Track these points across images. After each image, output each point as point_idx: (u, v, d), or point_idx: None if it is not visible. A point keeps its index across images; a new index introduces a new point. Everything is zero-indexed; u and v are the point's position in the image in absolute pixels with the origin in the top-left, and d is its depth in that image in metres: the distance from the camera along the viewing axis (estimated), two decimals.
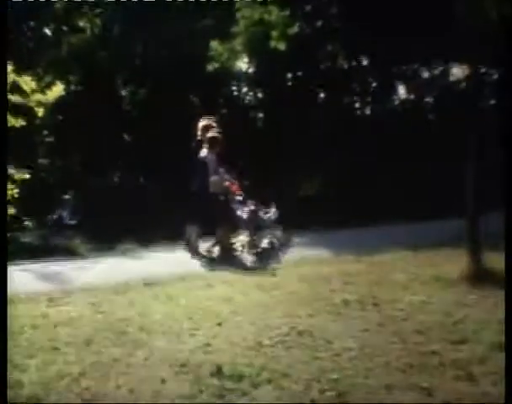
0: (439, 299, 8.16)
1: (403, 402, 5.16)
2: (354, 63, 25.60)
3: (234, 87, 25.62)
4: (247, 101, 26.23)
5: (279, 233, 12.28)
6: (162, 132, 22.50)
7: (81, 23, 22.12)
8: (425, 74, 25.86)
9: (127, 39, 22.18)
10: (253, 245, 12.16)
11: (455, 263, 9.47)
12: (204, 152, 12.35)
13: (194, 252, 12.29)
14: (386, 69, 25.08)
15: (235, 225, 12.32)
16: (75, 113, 21.35)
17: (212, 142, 12.32)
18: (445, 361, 5.92)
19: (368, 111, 26.02)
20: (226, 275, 10.35)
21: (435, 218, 15.31)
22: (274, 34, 9.94)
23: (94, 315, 8.17)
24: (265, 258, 11.87)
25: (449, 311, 7.56)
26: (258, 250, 12.10)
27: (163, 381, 5.73)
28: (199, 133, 12.62)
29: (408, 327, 7.04)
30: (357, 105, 26.14)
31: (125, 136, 24.84)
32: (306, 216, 17.91)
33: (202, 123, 12.69)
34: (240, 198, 12.38)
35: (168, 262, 11.94)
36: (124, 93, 25.08)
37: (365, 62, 25.63)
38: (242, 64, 23.04)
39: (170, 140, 22.15)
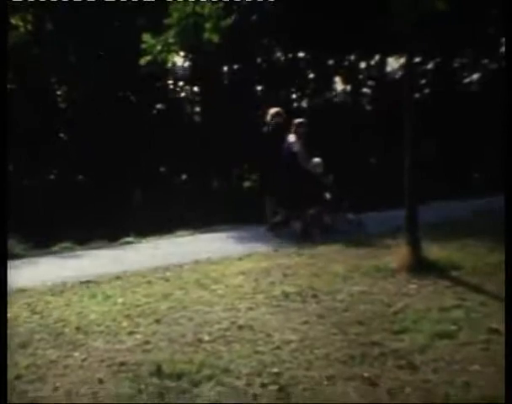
0: (379, 289, 8.17)
1: (346, 393, 5.14)
2: (290, 56, 25.65)
3: (170, 82, 25.48)
4: (183, 95, 26.13)
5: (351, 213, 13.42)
6: (99, 130, 22.27)
7: (13, 21, 21.67)
8: (362, 65, 26.07)
9: (61, 36, 21.86)
10: (337, 222, 13.19)
11: (394, 253, 9.49)
12: (291, 138, 13.22)
13: (304, 233, 12.87)
14: (323, 61, 25.20)
15: (328, 203, 13.27)
16: (8, 111, 20.95)
17: (299, 128, 13.35)
18: (386, 351, 5.92)
19: (305, 103, 26.10)
20: (164, 272, 10.22)
21: (374, 209, 15.38)
22: (208, 26, 9.86)
23: (30, 316, 8.02)
24: (348, 234, 12.40)
25: (389, 301, 7.56)
26: (342, 226, 13.03)
27: (101, 382, 5.64)
28: (269, 119, 13.65)
29: (349, 318, 7.02)
30: (294, 97, 26.20)
31: (61, 135, 24.51)
32: (251, 209, 17.91)
33: (272, 111, 13.76)
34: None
35: (104, 260, 11.77)
36: (59, 91, 24.75)
37: (301, 54, 25.70)
38: (178, 58, 22.88)
39: (107, 138, 21.96)
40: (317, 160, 13.38)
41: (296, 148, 13.14)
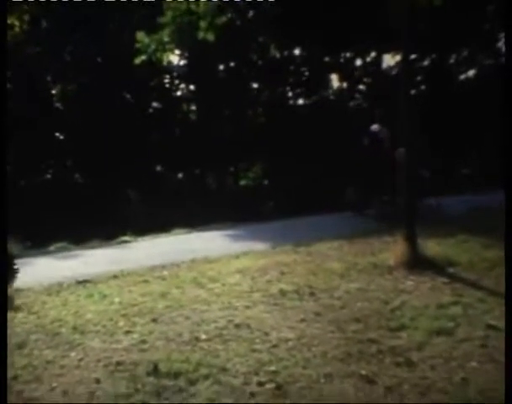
0: (376, 286, 8.14)
1: (343, 390, 5.12)
2: (286, 53, 25.63)
3: (166, 80, 25.46)
4: (179, 93, 26.12)
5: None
6: (95, 129, 22.25)
7: (9, 20, 21.61)
8: (358, 62, 26.05)
9: (57, 35, 21.82)
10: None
11: (391, 250, 9.47)
12: (375, 127, 14.05)
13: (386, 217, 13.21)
14: (319, 58, 25.18)
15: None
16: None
17: (384, 119, 14.07)
18: (384, 348, 5.90)
19: (301, 100, 26.11)
20: (161, 271, 10.20)
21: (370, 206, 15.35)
22: (202, 24, 9.83)
23: (27, 316, 7.97)
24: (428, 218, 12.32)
25: (386, 298, 7.54)
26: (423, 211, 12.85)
27: (98, 382, 5.61)
28: None
29: (346, 316, 7.00)
30: (290, 94, 26.19)
31: (57, 134, 24.48)
32: (245, 206, 17.94)
33: None
34: None
35: (101, 259, 11.74)
36: (54, 90, 24.73)
37: (297, 52, 25.69)
38: (173, 56, 22.87)
39: (103, 137, 21.93)
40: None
41: (383, 136, 13.79)
